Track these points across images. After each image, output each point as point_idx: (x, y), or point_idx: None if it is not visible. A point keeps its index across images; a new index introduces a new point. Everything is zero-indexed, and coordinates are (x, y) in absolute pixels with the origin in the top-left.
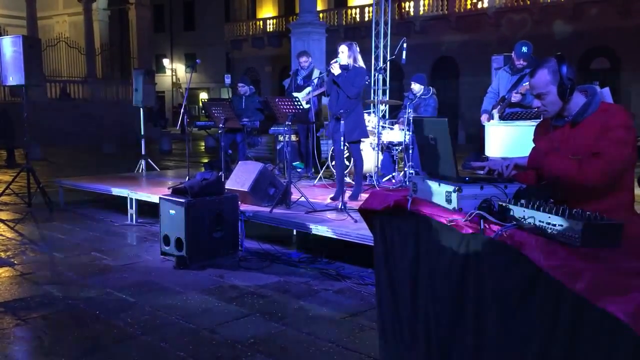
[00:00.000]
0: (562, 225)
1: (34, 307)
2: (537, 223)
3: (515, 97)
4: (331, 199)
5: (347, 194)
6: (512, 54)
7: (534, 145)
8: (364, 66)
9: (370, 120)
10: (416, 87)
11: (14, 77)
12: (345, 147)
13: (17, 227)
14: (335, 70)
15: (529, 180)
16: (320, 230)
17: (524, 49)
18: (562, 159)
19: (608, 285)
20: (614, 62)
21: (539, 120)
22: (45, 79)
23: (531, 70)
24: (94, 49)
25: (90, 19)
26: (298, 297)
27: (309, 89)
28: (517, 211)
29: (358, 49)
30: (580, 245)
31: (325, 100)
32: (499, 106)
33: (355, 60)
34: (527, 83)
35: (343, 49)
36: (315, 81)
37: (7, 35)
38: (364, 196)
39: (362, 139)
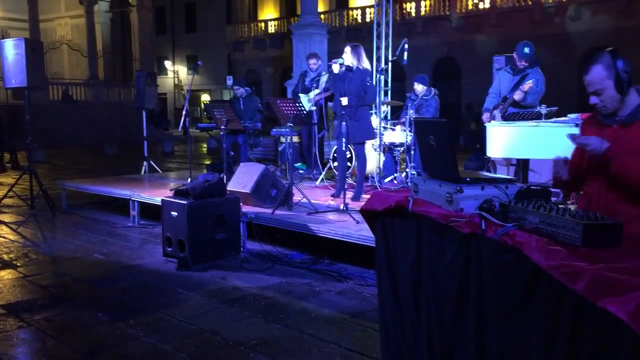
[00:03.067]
0: (562, 226)
1: (37, 309)
2: (538, 223)
3: (518, 95)
4: (332, 196)
5: (349, 194)
6: (514, 55)
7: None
8: (369, 68)
9: (372, 121)
10: (419, 88)
11: (17, 80)
12: (349, 148)
13: (19, 230)
14: (335, 68)
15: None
16: (322, 231)
17: (526, 50)
18: (631, 160)
19: (608, 285)
20: None
21: (540, 120)
22: (47, 82)
23: (585, 68)
24: (96, 51)
25: (92, 22)
26: (300, 299)
27: (316, 91)
28: (518, 211)
29: (363, 51)
30: (580, 246)
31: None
32: (501, 106)
33: (359, 61)
34: (530, 81)
35: (347, 50)
36: (323, 85)
37: (9, 37)
38: (365, 197)
39: (366, 141)
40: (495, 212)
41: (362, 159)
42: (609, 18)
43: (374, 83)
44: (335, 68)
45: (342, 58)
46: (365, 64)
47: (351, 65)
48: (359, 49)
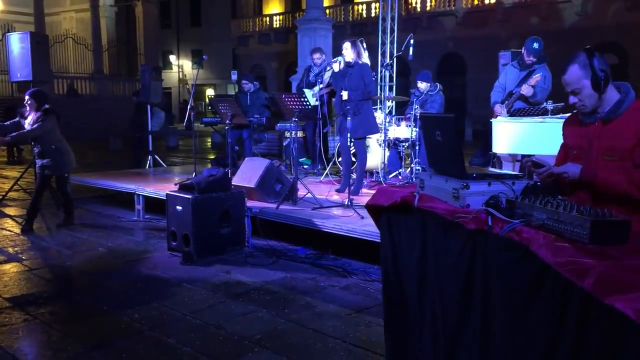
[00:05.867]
0: (570, 222)
1: (42, 302)
2: (545, 220)
3: (526, 90)
4: (336, 191)
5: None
6: (522, 50)
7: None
8: (368, 62)
9: (377, 117)
10: (422, 86)
11: (22, 73)
12: (352, 143)
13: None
14: (335, 67)
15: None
16: (326, 226)
17: (535, 45)
18: (611, 173)
19: (616, 282)
20: (622, 58)
21: (546, 116)
22: (52, 75)
23: (563, 68)
24: (101, 45)
25: (97, 16)
26: (304, 293)
27: (321, 85)
28: (525, 208)
29: (364, 45)
30: (588, 242)
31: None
32: (507, 101)
33: (359, 56)
34: (537, 75)
35: (347, 45)
36: (327, 80)
37: (15, 31)
38: (366, 192)
39: (368, 136)
40: (502, 208)
41: (362, 154)
42: (616, 13)
43: (378, 78)
44: (336, 67)
45: (342, 54)
46: (365, 59)
47: (351, 60)
48: (358, 44)
